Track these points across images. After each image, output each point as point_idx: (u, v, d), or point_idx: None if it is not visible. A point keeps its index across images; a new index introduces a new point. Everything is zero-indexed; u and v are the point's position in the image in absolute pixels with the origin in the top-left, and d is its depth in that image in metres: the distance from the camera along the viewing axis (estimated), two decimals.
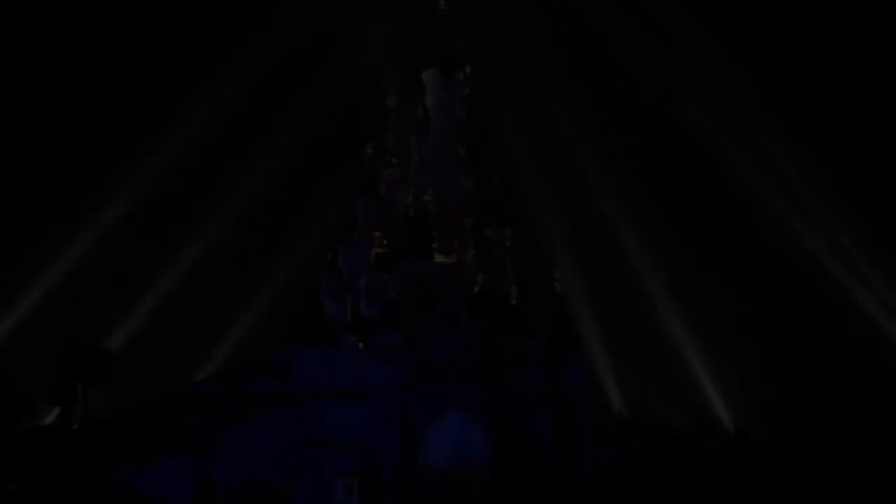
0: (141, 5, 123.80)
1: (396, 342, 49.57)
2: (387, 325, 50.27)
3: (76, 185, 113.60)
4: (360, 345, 52.44)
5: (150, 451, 43.73)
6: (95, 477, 39.78)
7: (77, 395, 50.65)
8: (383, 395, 48.90)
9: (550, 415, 52.69)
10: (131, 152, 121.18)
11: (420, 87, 63.38)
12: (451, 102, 61.17)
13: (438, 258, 55.93)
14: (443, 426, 49.34)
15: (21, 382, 49.10)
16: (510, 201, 62.91)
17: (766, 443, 51.05)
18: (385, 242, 59.69)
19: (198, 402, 50.86)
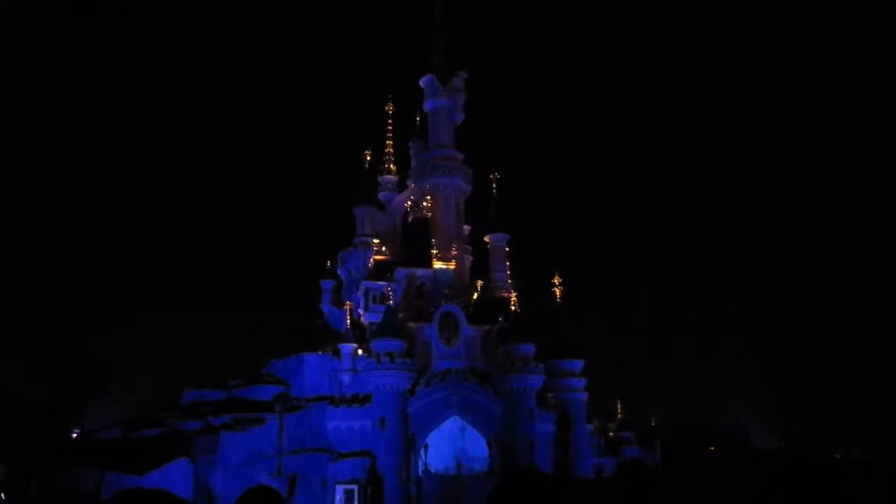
0: None
1: (396, 349, 49.41)
2: (386, 332, 50.08)
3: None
4: (360, 351, 52.33)
5: (149, 459, 43.50)
6: (95, 486, 39.55)
7: (76, 405, 50.49)
8: (383, 401, 48.73)
9: (550, 420, 52.61)
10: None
11: (418, 93, 63.38)
12: (449, 108, 61.09)
13: (438, 264, 55.80)
14: (443, 432, 49.27)
15: (21, 395, 49.03)
16: (510, 206, 63.11)
17: (771, 447, 50.90)
18: (384, 249, 59.65)
19: (197, 410, 50.74)
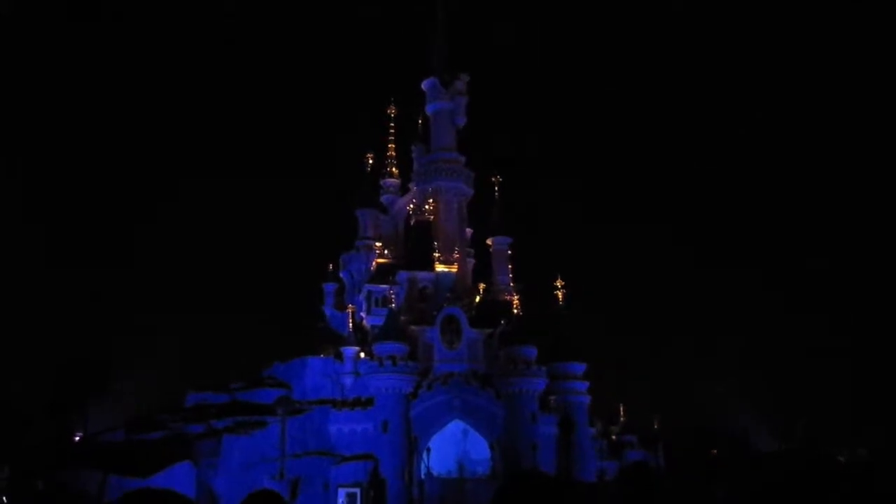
0: None
1: (398, 352, 49.43)
2: (389, 335, 50.10)
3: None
4: (362, 354, 52.33)
5: (152, 462, 43.53)
6: (97, 488, 39.58)
7: (76, 406, 50.49)
8: (386, 404, 48.74)
9: (553, 424, 52.57)
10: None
11: (420, 95, 63.40)
12: (451, 111, 61.05)
13: (440, 267, 55.79)
14: (445, 435, 49.24)
15: (21, 395, 49.04)
16: (512, 208, 63.09)
17: (772, 448, 50.77)
18: (386, 252, 59.68)
19: (199, 413, 50.76)
